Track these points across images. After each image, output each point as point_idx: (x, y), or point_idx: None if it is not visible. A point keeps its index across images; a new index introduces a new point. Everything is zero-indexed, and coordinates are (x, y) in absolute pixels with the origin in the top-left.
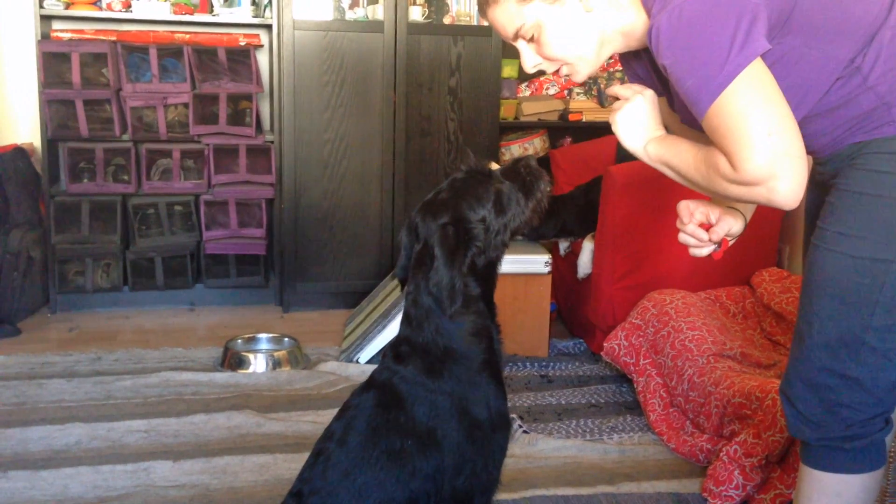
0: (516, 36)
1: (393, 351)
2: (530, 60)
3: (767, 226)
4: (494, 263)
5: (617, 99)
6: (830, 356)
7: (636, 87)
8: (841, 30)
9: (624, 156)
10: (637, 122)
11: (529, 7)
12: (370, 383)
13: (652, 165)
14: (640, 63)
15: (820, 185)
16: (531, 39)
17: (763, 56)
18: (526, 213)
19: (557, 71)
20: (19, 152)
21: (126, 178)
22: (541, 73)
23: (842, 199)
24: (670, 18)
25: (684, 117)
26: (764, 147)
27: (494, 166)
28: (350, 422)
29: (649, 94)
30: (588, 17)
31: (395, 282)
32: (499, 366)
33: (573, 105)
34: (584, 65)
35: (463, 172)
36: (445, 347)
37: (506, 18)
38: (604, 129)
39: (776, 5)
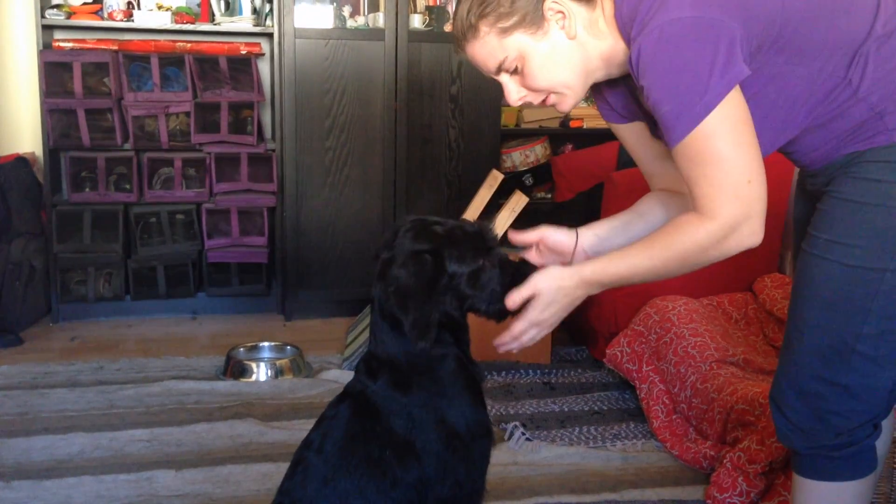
0: (499, 70)
1: (365, 366)
2: (515, 93)
3: (768, 232)
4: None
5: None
6: (821, 364)
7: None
8: (828, 45)
9: (626, 162)
10: (559, 303)
11: (511, 39)
12: (345, 394)
13: (606, 287)
14: (614, 91)
15: (810, 195)
16: (514, 72)
17: (751, 79)
18: (492, 307)
19: (544, 101)
20: (21, 162)
21: (128, 186)
22: None
23: (834, 207)
24: (650, 39)
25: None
26: (745, 194)
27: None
28: (327, 431)
29: (546, 271)
30: (572, 44)
31: None
32: (472, 374)
33: (574, 112)
34: (572, 93)
35: (474, 226)
36: (409, 362)
37: (486, 53)
38: (605, 136)
39: (756, 27)
